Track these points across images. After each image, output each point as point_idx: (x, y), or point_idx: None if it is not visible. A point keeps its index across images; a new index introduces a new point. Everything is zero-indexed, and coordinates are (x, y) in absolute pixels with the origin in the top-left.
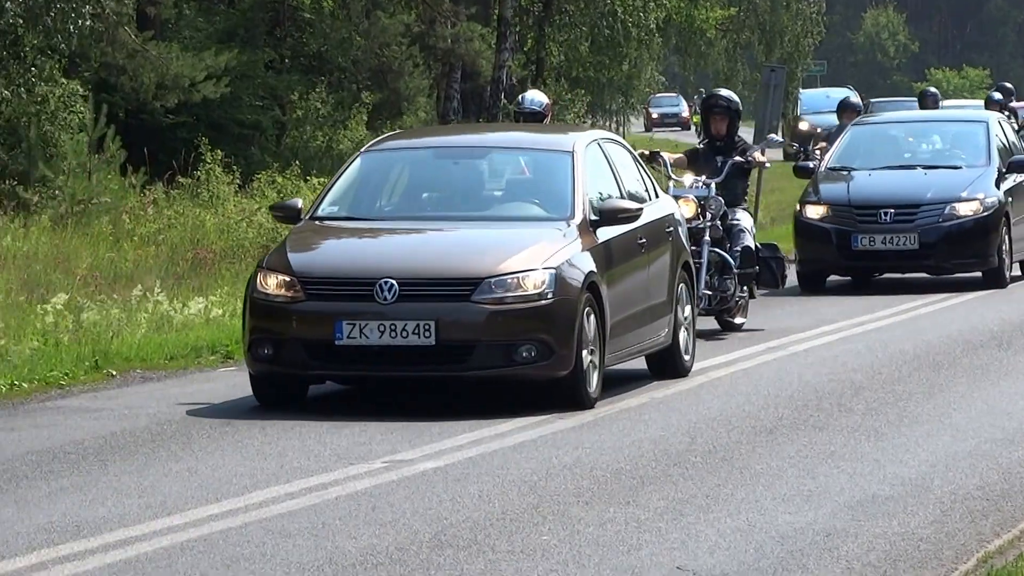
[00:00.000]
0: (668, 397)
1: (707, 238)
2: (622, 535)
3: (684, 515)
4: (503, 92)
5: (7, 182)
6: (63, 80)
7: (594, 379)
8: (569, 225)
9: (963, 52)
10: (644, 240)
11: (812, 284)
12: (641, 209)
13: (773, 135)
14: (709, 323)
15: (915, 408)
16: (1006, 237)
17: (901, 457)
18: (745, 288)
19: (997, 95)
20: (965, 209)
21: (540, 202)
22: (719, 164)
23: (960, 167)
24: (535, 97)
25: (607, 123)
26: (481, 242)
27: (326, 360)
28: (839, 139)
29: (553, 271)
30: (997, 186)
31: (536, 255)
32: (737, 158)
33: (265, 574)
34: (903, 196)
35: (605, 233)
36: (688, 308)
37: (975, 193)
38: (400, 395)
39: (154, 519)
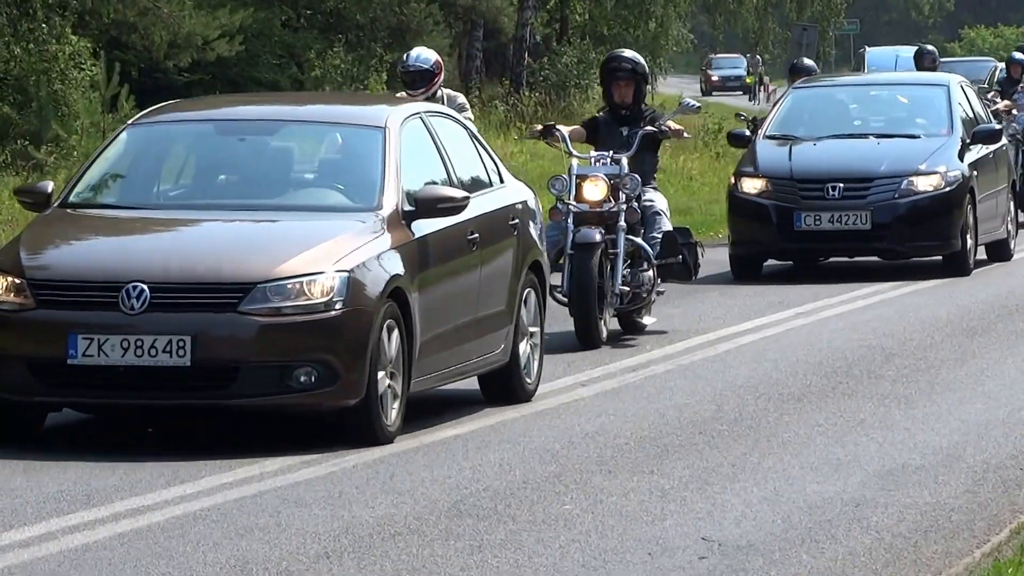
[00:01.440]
0: (694, 364)
1: (623, 223)
2: (646, 505)
3: (709, 485)
4: (527, 51)
5: (19, 142)
6: (72, 38)
7: (393, 410)
8: (376, 217)
9: (999, 10)
10: (476, 236)
11: (747, 270)
12: (467, 198)
13: (688, 99)
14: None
15: (947, 375)
16: (971, 217)
17: (932, 425)
18: (659, 281)
19: (1020, 55)
20: (924, 184)
21: (344, 189)
22: (625, 136)
23: (918, 136)
24: (422, 54)
25: None
26: (259, 238)
27: (55, 383)
28: (777, 103)
29: (346, 274)
30: (960, 158)
31: (327, 254)
32: (648, 128)
33: (280, 544)
34: (853, 168)
35: (422, 227)
36: (534, 317)
37: (935, 166)
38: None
39: (167, 487)
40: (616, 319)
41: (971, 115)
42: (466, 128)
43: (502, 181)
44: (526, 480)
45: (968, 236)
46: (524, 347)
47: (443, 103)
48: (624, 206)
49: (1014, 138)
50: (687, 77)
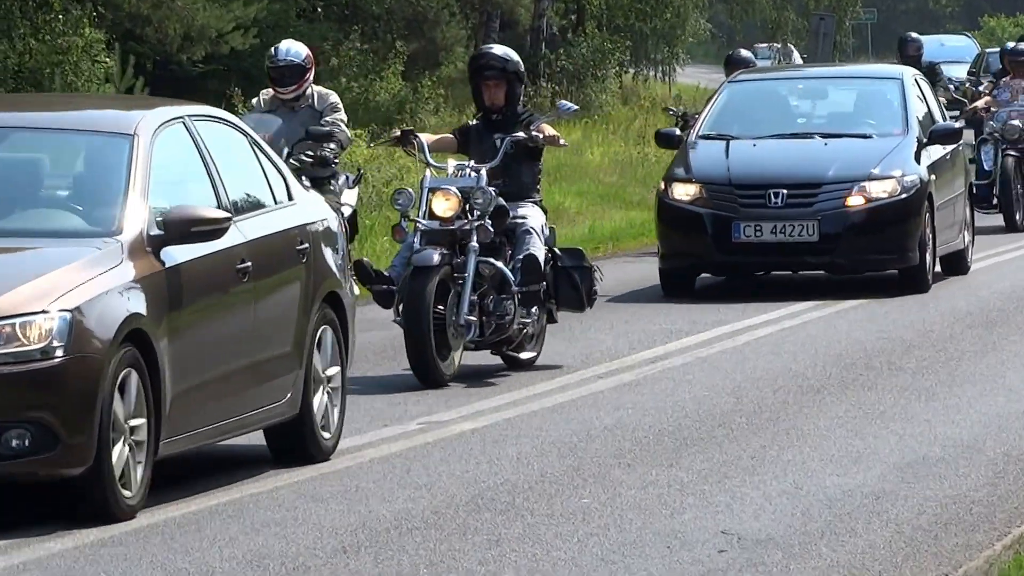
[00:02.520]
0: (712, 356)
1: (474, 244)
2: (664, 498)
3: (729, 478)
4: (543, 42)
5: None
6: (86, 30)
7: (136, 479)
8: (115, 243)
9: None
10: (249, 264)
11: (678, 286)
12: (228, 219)
13: (565, 102)
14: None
15: (967, 367)
16: (929, 227)
17: (953, 418)
18: (536, 311)
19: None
20: (878, 190)
21: (81, 209)
22: (497, 144)
23: (870, 136)
24: (292, 47)
25: (652, 73)
26: None
27: None
28: (712, 100)
29: (68, 314)
30: (918, 160)
31: (46, 290)
32: (519, 134)
33: (296, 539)
34: (799, 173)
35: (175, 255)
36: (333, 360)
37: (890, 170)
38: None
39: (182, 483)
40: (496, 354)
41: (928, 110)
42: (248, 136)
43: (291, 199)
44: (544, 474)
45: (926, 249)
46: (319, 397)
47: (313, 102)
48: (477, 224)
49: (992, 136)
50: (704, 67)
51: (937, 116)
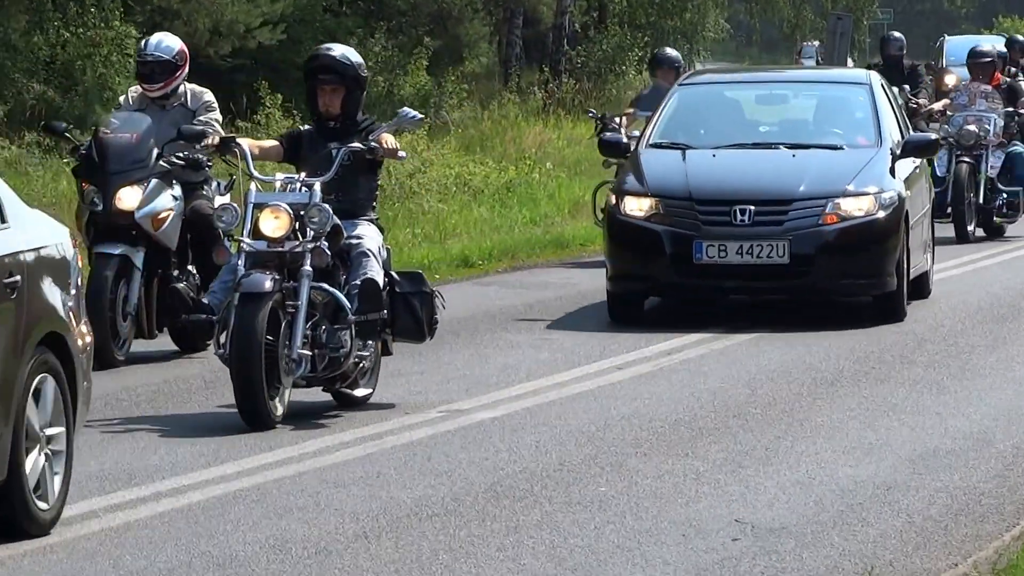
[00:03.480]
0: (728, 348)
1: (307, 268)
2: (680, 487)
3: (743, 467)
4: (565, 39)
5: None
6: (116, 23)
7: None
8: None
9: None
10: None
11: (628, 312)
12: None
13: (408, 109)
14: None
15: (978, 361)
16: (906, 247)
17: (963, 410)
18: (370, 344)
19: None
20: (854, 208)
21: None
22: (332, 154)
23: (840, 147)
24: (164, 40)
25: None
26: None
27: None
28: (662, 105)
29: None
30: (893, 174)
31: None
32: (356, 145)
33: (319, 524)
34: (768, 187)
35: None
36: (54, 416)
37: (866, 185)
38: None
39: (207, 467)
40: (328, 392)
41: (898, 121)
42: None
43: (4, 221)
44: (562, 462)
45: (904, 272)
46: (35, 458)
47: (186, 101)
48: (311, 246)
49: (946, 141)
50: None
51: (902, 125)
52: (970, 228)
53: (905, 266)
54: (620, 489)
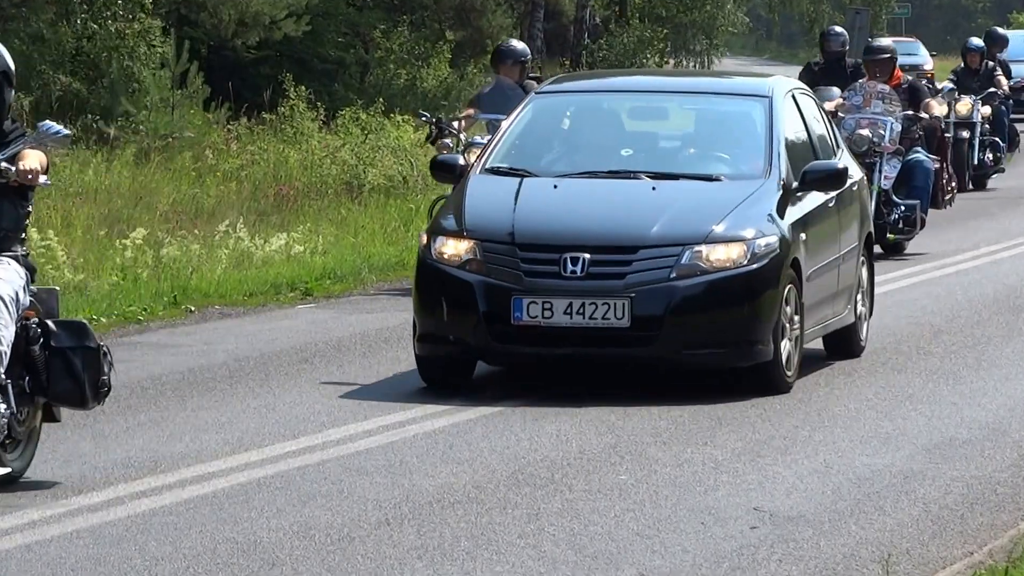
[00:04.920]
0: None
1: None
2: (699, 476)
3: (761, 456)
4: (586, 32)
5: (89, 116)
6: (142, 15)
7: None
8: None
9: None
10: None
11: (445, 379)
12: None
13: (51, 123)
14: None
15: (994, 352)
16: (787, 307)
17: (979, 401)
18: (23, 409)
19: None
20: (719, 257)
21: None
22: None
23: (718, 178)
24: None
25: (691, 64)
26: None
27: None
28: (512, 118)
29: None
30: (782, 214)
31: None
32: None
33: (342, 511)
34: (608, 230)
35: None
36: None
37: (739, 228)
38: None
39: (231, 455)
40: None
41: (809, 140)
42: None
43: None
44: (582, 451)
45: (783, 337)
46: None
47: None
48: None
49: None
50: (743, 59)
51: (822, 147)
52: None
53: (790, 328)
54: (640, 477)
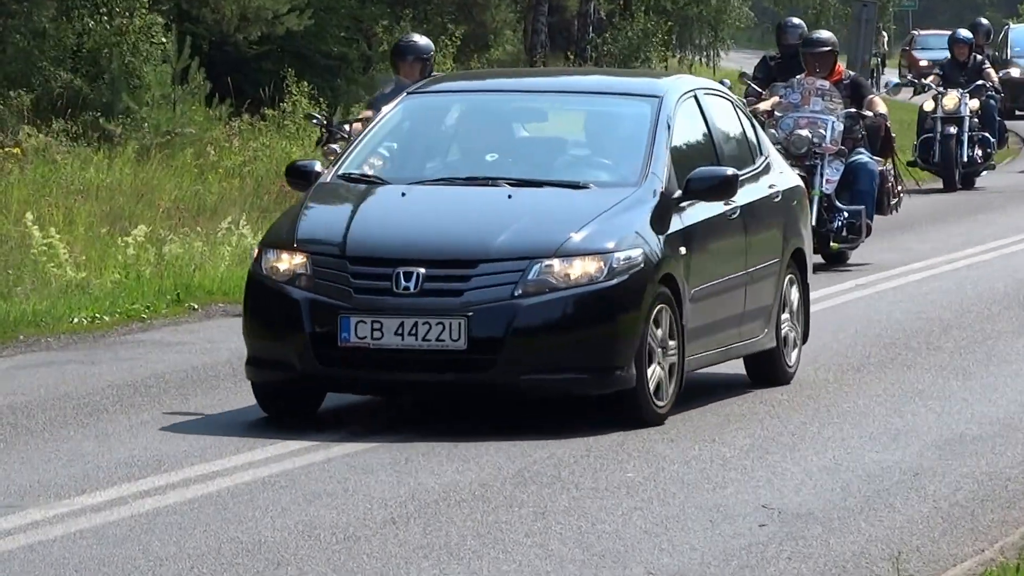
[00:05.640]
0: None
1: None
2: (707, 473)
3: (770, 453)
4: (591, 26)
5: (90, 113)
6: (143, 11)
7: None
8: None
9: None
10: None
11: (275, 408)
12: None
13: None
14: None
15: (1004, 347)
16: (656, 329)
17: (990, 396)
18: None
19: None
20: (572, 272)
21: None
22: None
23: (586, 185)
24: None
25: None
26: None
27: None
28: (376, 120)
29: None
30: (656, 226)
31: None
32: None
33: (347, 509)
34: (447, 242)
35: None
36: None
37: (599, 240)
38: None
39: (236, 454)
40: None
41: (712, 149)
42: None
43: None
44: (589, 448)
45: (655, 362)
46: None
47: None
48: None
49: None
50: (748, 52)
51: (731, 153)
52: None
53: (663, 353)
54: (647, 475)
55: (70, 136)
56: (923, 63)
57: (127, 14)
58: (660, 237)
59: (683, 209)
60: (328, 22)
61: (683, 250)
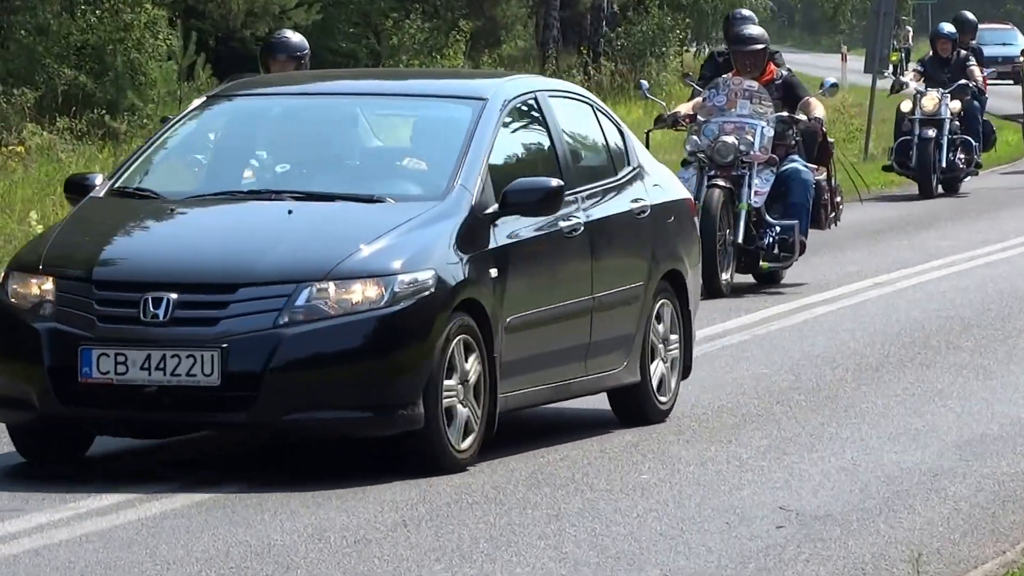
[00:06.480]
0: (770, 334)
1: None
2: (723, 474)
3: (787, 454)
4: (604, 20)
5: (95, 110)
6: (148, 7)
7: None
8: None
9: None
10: None
11: (37, 451)
12: None
13: None
14: None
15: None
16: (457, 362)
17: (1010, 396)
18: None
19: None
20: (350, 296)
21: None
22: None
23: (381, 199)
24: None
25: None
26: None
27: None
28: (164, 128)
29: None
30: (461, 245)
31: None
32: None
33: (358, 512)
34: (203, 265)
35: None
36: None
37: (380, 261)
38: None
39: (243, 455)
40: None
41: (554, 159)
42: None
43: None
44: (603, 449)
45: (440, 400)
46: None
47: None
48: None
49: (696, 157)
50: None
51: (578, 164)
52: (725, 277)
53: (465, 389)
54: (662, 476)
55: (74, 134)
56: None
57: (127, 10)
58: (463, 257)
59: (502, 225)
60: (336, 17)
61: (494, 272)
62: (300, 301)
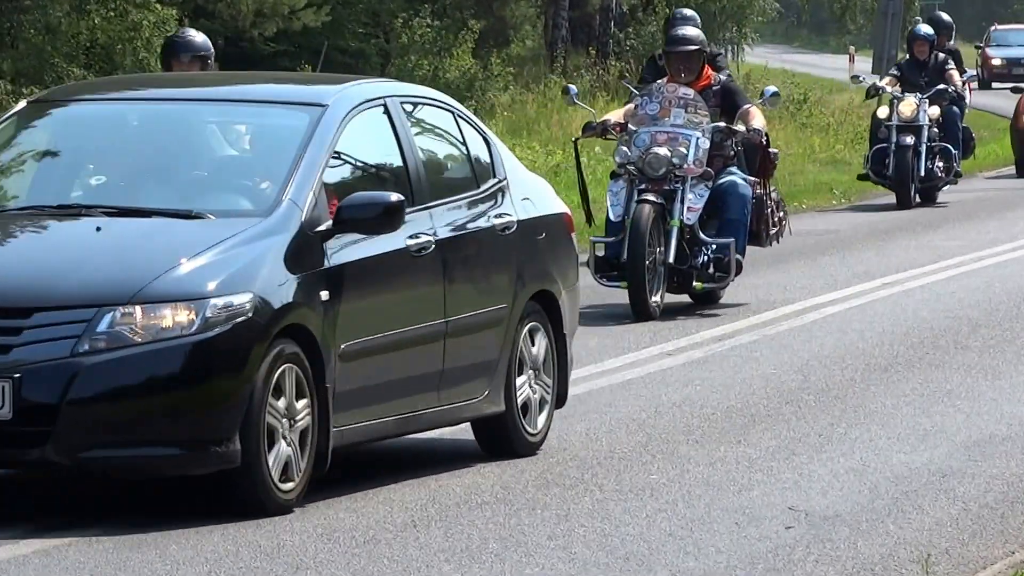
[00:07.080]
0: (780, 334)
1: None
2: (733, 475)
3: (796, 455)
4: (613, 20)
5: None
6: (157, 6)
7: None
8: None
9: None
10: None
11: None
12: None
13: None
14: None
15: None
16: (280, 394)
17: (1019, 396)
18: None
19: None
20: (159, 321)
21: None
22: None
23: (201, 215)
24: None
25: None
26: None
27: None
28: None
29: None
30: (287, 265)
31: None
32: None
33: (367, 512)
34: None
35: None
36: None
37: (192, 283)
38: None
39: None
40: None
41: (404, 173)
42: None
43: None
44: (612, 450)
45: (278, 435)
46: None
47: None
48: None
49: (625, 169)
50: (772, 46)
51: (430, 177)
52: (655, 300)
53: (287, 423)
54: (672, 477)
55: None
56: (995, 61)
57: (133, 9)
58: (290, 279)
59: (332, 245)
60: (346, 17)
61: (325, 295)
62: (102, 327)
